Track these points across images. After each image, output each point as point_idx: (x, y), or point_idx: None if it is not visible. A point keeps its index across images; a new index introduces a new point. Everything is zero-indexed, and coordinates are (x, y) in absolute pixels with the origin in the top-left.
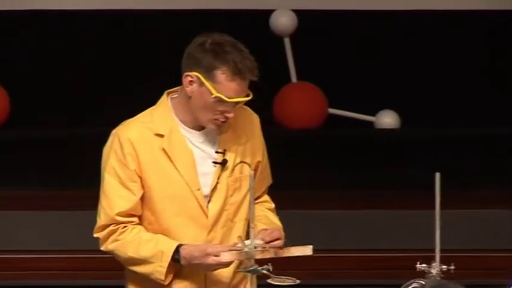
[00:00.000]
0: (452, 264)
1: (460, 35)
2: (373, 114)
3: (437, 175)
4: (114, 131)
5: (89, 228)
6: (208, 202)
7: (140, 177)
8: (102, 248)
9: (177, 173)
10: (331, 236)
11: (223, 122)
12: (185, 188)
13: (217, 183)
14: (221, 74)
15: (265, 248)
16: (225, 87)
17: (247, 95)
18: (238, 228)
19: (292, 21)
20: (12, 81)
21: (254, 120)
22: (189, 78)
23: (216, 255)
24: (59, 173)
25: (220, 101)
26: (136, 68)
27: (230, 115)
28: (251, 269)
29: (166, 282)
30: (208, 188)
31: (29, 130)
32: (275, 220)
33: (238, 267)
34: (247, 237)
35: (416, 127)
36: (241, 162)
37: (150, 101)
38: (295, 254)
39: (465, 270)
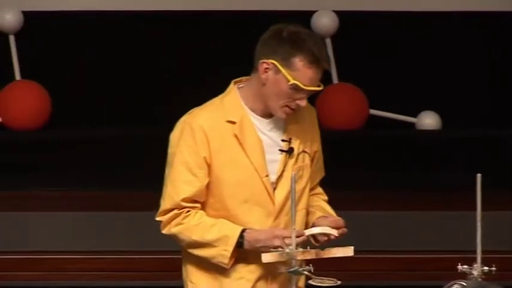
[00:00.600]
0: (494, 265)
1: (502, 36)
2: (415, 116)
3: (479, 176)
4: (182, 119)
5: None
6: (275, 189)
7: (209, 165)
8: (164, 231)
9: (247, 159)
10: (372, 237)
11: (293, 109)
12: (254, 174)
13: (283, 170)
14: (299, 62)
15: (306, 249)
16: (302, 74)
17: (319, 85)
18: (300, 217)
19: (333, 22)
20: (54, 83)
21: (312, 111)
22: (265, 66)
23: (284, 237)
24: (100, 173)
25: (295, 88)
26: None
27: (302, 103)
28: (292, 269)
29: (229, 266)
30: (275, 175)
31: (71, 130)
32: (331, 211)
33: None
34: (307, 226)
35: (457, 128)
36: (303, 151)
37: (196, 101)
38: (337, 255)
39: (506, 272)
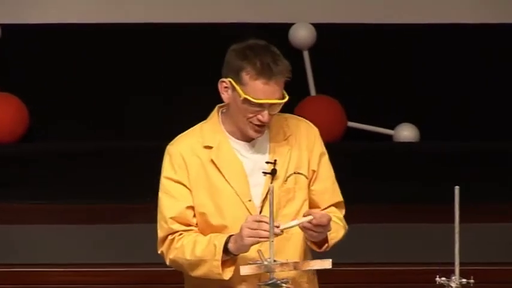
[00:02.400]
0: (472, 277)
1: (478, 49)
2: (392, 128)
3: (457, 189)
4: (167, 147)
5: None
6: (260, 213)
7: (190, 191)
8: (167, 263)
9: (227, 184)
10: (349, 250)
11: (259, 125)
12: (236, 199)
13: (267, 193)
14: (246, 75)
15: (284, 262)
16: (251, 88)
17: (282, 98)
18: (295, 241)
19: (311, 35)
20: (31, 96)
21: (311, 131)
22: (224, 85)
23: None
24: (78, 186)
25: (249, 103)
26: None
27: (264, 118)
28: (270, 282)
29: (226, 277)
30: (259, 198)
31: (48, 143)
32: (335, 219)
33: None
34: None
35: (435, 141)
36: (295, 173)
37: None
38: (315, 267)
39: (484, 284)
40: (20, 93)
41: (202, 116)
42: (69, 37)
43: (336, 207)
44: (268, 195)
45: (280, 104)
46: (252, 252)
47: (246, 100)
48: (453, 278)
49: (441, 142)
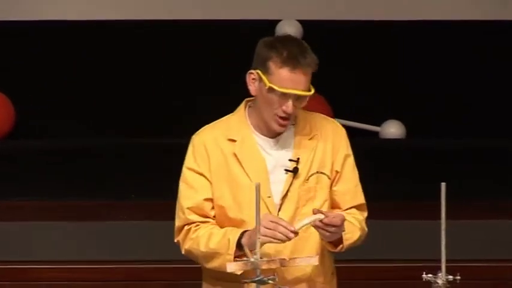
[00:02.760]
0: (458, 274)
1: (464, 45)
2: (379, 125)
3: (443, 185)
4: (192, 136)
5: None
6: (279, 210)
7: (211, 182)
8: (182, 252)
9: (248, 179)
10: None
11: (284, 118)
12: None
13: (288, 191)
14: (272, 64)
15: (271, 259)
16: (276, 77)
17: (306, 90)
18: (313, 240)
19: (297, 31)
20: (18, 93)
21: (338, 132)
22: (252, 76)
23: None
24: (65, 183)
25: (274, 92)
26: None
27: (288, 109)
28: (257, 279)
29: (238, 272)
30: (279, 195)
31: (35, 140)
32: (352, 220)
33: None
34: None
35: (421, 137)
36: (317, 172)
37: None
38: (301, 264)
39: (471, 280)
40: (6, 90)
41: (199, 114)
42: (56, 34)
43: (358, 209)
44: (256, 192)
45: (305, 96)
46: (266, 248)
47: (271, 89)
48: (439, 274)
49: (427, 139)
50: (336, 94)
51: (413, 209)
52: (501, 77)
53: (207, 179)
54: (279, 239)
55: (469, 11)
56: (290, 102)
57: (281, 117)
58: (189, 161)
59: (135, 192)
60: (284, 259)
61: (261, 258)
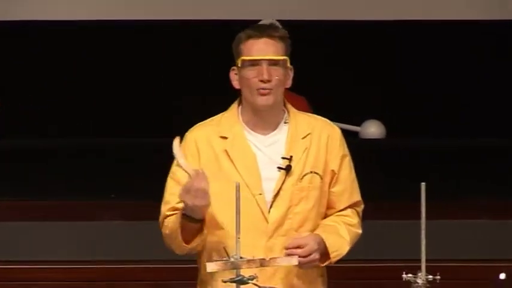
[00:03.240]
0: (438, 274)
1: (445, 44)
2: (359, 124)
3: (423, 185)
4: (185, 133)
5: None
6: (270, 208)
7: None
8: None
9: (239, 175)
10: None
11: (264, 89)
12: (246, 191)
13: (280, 189)
14: (241, 44)
15: (251, 258)
16: (245, 51)
17: (278, 56)
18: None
19: None
20: (4, 93)
21: (332, 132)
22: (234, 72)
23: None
24: (51, 183)
25: (247, 66)
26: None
27: (264, 76)
28: (237, 279)
29: (191, 246)
30: (271, 193)
31: (22, 140)
32: (342, 232)
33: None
34: None
35: (401, 137)
36: (311, 172)
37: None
38: (281, 264)
39: (450, 280)
40: None
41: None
42: (42, 34)
43: (354, 206)
44: (236, 192)
45: (278, 62)
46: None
47: (243, 62)
48: (419, 274)
49: (408, 139)
50: (316, 94)
51: (393, 209)
52: (492, 77)
53: None
54: (198, 188)
55: (463, 11)
56: (264, 70)
57: (262, 89)
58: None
59: (116, 192)
60: (264, 259)
61: (241, 258)
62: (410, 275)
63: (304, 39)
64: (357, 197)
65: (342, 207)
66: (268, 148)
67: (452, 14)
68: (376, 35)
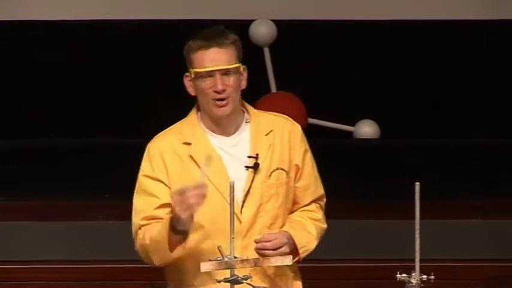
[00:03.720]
0: (432, 273)
1: (439, 44)
2: (353, 124)
3: (417, 185)
4: (147, 144)
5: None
6: (242, 207)
7: (169, 187)
8: (136, 249)
9: (207, 179)
10: None
11: (220, 100)
12: (216, 194)
13: (250, 187)
14: (191, 54)
15: (245, 258)
16: (196, 61)
17: (232, 64)
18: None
19: (271, 31)
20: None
21: (293, 127)
22: (187, 78)
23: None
24: (43, 183)
25: (200, 77)
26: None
27: (218, 87)
28: (231, 279)
29: (174, 255)
30: (241, 193)
31: (14, 140)
32: (309, 228)
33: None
34: None
35: (395, 137)
36: (278, 168)
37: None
38: (275, 263)
39: (445, 280)
40: None
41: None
42: (34, 34)
43: (317, 200)
44: (230, 191)
45: (231, 71)
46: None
47: (196, 74)
48: (413, 274)
49: (401, 138)
50: (310, 94)
51: (387, 209)
52: (487, 76)
53: (165, 185)
54: (192, 203)
55: (459, 11)
56: (218, 81)
57: (217, 100)
58: (145, 168)
59: (110, 192)
60: (258, 259)
61: (235, 258)
62: (404, 275)
63: (297, 39)
64: (320, 191)
65: (306, 202)
66: (232, 149)
67: (451, 13)
68: (370, 34)
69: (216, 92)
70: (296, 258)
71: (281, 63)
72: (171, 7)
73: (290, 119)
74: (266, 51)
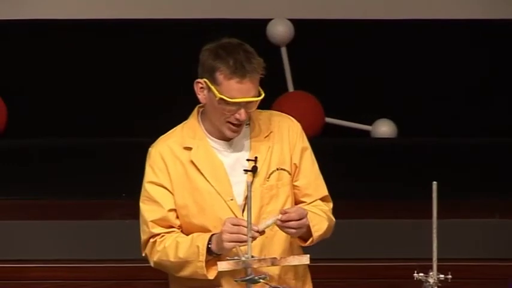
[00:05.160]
0: (449, 273)
1: (456, 44)
2: (370, 124)
3: (435, 184)
4: (149, 149)
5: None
6: (243, 211)
7: (172, 193)
8: (152, 265)
9: (208, 184)
10: (327, 245)
11: (236, 125)
12: (217, 198)
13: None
14: (219, 75)
15: (262, 258)
16: (225, 87)
17: (258, 95)
18: (280, 237)
19: (289, 31)
20: (9, 93)
21: (293, 126)
22: (200, 85)
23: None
24: (55, 182)
25: (225, 102)
26: (133, 75)
27: (241, 117)
28: (248, 278)
29: (211, 277)
30: (241, 196)
31: (26, 140)
32: (316, 211)
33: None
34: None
35: (412, 136)
36: (277, 169)
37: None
38: (293, 263)
39: (462, 279)
40: None
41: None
42: (46, 33)
43: (322, 201)
44: (247, 193)
45: (256, 101)
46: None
47: (221, 100)
48: (431, 273)
49: (419, 138)
50: (327, 93)
51: (405, 208)
52: (504, 75)
53: (168, 190)
54: (244, 241)
55: (464, 10)
56: (242, 110)
57: (234, 124)
58: (148, 175)
59: (126, 191)
60: (275, 258)
61: (252, 257)
62: (421, 274)
63: (314, 38)
64: (323, 191)
65: (309, 202)
66: (233, 153)
67: (470, 13)
68: (388, 34)
69: (237, 119)
70: (309, 240)
71: (298, 62)
72: (188, 6)
73: (290, 117)
74: (283, 50)
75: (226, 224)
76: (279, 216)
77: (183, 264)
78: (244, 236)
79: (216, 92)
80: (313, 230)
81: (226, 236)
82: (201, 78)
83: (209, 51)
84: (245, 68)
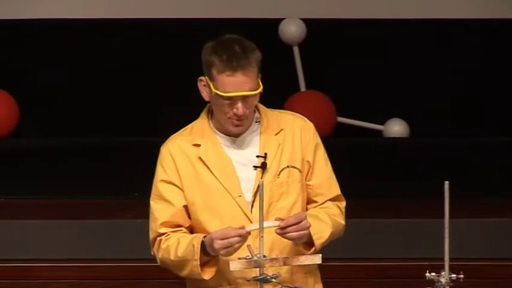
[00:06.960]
0: (461, 272)
1: (470, 44)
2: (382, 123)
3: (447, 184)
4: (160, 148)
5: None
6: (252, 207)
7: (182, 190)
8: (158, 263)
9: (216, 180)
10: (338, 245)
11: (238, 120)
12: (226, 195)
13: (258, 188)
14: (214, 70)
15: (274, 257)
16: (219, 82)
17: (255, 89)
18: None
19: (301, 30)
20: (21, 91)
21: (305, 125)
22: (202, 83)
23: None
24: (67, 181)
25: (220, 97)
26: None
27: (238, 111)
28: (260, 277)
29: (206, 277)
30: (250, 193)
31: (38, 139)
32: (322, 217)
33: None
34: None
35: (424, 136)
36: (288, 166)
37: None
38: (305, 262)
39: (474, 279)
40: (9, 89)
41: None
42: (58, 32)
43: (334, 200)
44: (258, 190)
45: (252, 95)
46: (241, 249)
47: (216, 95)
48: (443, 273)
49: (431, 137)
50: (339, 93)
51: (417, 208)
52: (506, 76)
53: (178, 187)
54: (237, 244)
55: (473, 10)
56: (239, 105)
57: (235, 120)
58: (159, 173)
59: (139, 191)
60: (287, 257)
61: (264, 256)
62: (433, 273)
63: (326, 38)
64: (336, 191)
65: (321, 201)
66: (242, 149)
67: (479, 12)
68: (400, 34)
69: (235, 114)
70: (312, 250)
71: (310, 62)
72: (200, 6)
73: (302, 116)
74: (295, 50)
75: (215, 242)
76: (275, 223)
77: (182, 263)
78: (235, 244)
79: (212, 88)
80: (314, 237)
81: (217, 245)
82: (204, 75)
83: (208, 48)
84: (237, 61)
